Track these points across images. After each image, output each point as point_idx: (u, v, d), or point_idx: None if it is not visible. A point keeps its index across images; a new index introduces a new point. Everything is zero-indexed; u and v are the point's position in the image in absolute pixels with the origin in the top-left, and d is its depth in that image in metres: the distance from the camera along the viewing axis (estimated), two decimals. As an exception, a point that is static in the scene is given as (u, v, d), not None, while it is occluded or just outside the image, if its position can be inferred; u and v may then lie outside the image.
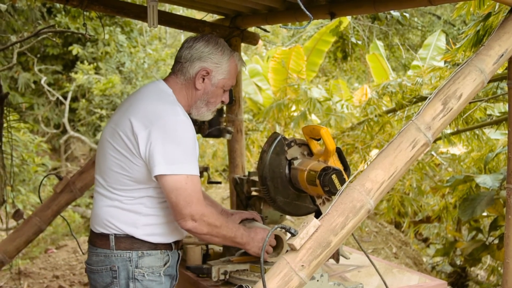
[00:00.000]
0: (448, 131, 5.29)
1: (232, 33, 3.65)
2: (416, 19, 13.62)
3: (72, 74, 9.85)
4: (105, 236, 2.18)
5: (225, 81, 2.29)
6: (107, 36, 9.35)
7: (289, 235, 1.83)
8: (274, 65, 8.65)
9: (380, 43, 9.73)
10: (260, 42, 11.50)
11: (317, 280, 2.27)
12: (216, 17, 3.85)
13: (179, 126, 2.08)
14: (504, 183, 3.65)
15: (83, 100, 10.22)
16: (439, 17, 13.64)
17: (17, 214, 3.73)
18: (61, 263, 5.87)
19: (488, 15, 3.49)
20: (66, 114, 9.92)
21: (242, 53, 5.25)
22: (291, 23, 3.79)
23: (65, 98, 10.17)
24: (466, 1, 3.44)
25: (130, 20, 9.29)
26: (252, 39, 3.80)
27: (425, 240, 8.09)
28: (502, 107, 5.55)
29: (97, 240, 2.21)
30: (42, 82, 9.54)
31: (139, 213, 2.16)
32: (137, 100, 2.20)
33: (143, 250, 2.17)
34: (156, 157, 2.04)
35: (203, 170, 3.39)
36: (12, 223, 6.12)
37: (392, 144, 1.95)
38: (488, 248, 5.19)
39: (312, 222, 1.80)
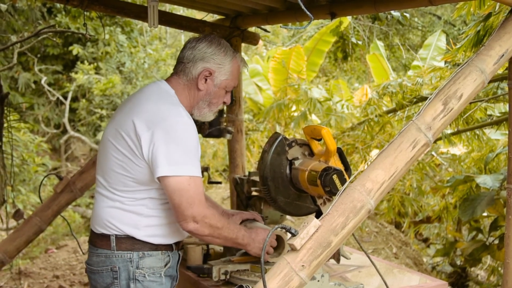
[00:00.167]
0: (449, 131, 5.29)
1: (233, 33, 3.65)
2: (416, 19, 13.63)
3: (73, 74, 9.85)
4: (106, 237, 2.18)
5: (228, 81, 2.29)
6: (107, 36, 9.35)
7: (289, 235, 1.83)
8: (275, 65, 8.65)
9: (380, 43, 9.73)
10: (261, 42, 11.50)
11: (318, 280, 2.27)
12: (217, 17, 3.85)
13: (182, 127, 2.08)
14: (505, 183, 3.65)
15: (83, 100, 10.22)
16: (439, 17, 13.64)
17: (18, 214, 3.73)
18: (61, 263, 5.87)
19: (489, 15, 3.49)
20: (66, 114, 9.92)
21: (242, 53, 5.25)
22: (291, 23, 3.79)
23: (66, 98, 10.17)
24: (466, 1, 3.44)
25: (130, 20, 9.29)
26: (253, 39, 3.80)
27: (425, 240, 8.09)
28: (503, 107, 5.54)
29: (98, 240, 2.21)
30: (43, 82, 9.54)
31: (140, 214, 2.16)
32: (139, 100, 2.20)
33: (144, 251, 2.17)
34: (159, 158, 2.03)
35: (204, 170, 3.38)
36: (13, 223, 6.12)
37: (392, 144, 1.95)
38: (489, 248, 5.19)
39: (312, 222, 1.80)
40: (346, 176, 2.22)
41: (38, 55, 9.69)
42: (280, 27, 4.42)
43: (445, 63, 6.55)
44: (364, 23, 11.13)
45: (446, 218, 6.02)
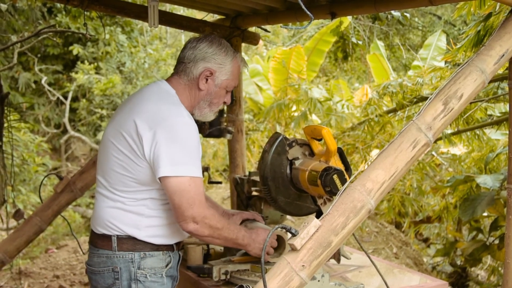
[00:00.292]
0: (449, 131, 5.28)
1: (233, 33, 3.65)
2: (416, 19, 13.63)
3: (73, 74, 9.85)
4: (107, 237, 2.17)
5: (228, 81, 2.29)
6: (107, 36, 9.35)
7: (289, 235, 1.82)
8: (275, 65, 8.65)
9: (380, 43, 9.73)
10: (261, 42, 11.50)
11: (318, 280, 2.27)
12: (217, 17, 3.85)
13: (183, 128, 2.08)
14: (505, 183, 3.64)
15: (84, 100, 10.22)
16: (439, 17, 13.64)
17: (18, 214, 3.73)
18: (62, 263, 5.88)
19: (489, 15, 3.49)
20: (67, 114, 9.92)
21: (242, 53, 5.25)
22: (291, 23, 3.79)
23: (66, 98, 10.17)
24: (466, 1, 3.44)
25: (130, 20, 9.29)
26: (253, 39, 3.80)
27: (426, 240, 8.09)
28: (503, 107, 5.54)
29: (99, 241, 2.21)
30: (43, 82, 9.54)
31: (141, 215, 2.16)
32: (140, 100, 2.19)
33: (145, 251, 2.16)
34: (161, 158, 2.03)
35: (204, 170, 3.38)
36: (13, 223, 6.12)
37: (392, 144, 1.95)
38: (489, 248, 5.19)
39: (313, 222, 1.80)
40: (346, 176, 2.22)
41: (38, 55, 9.69)
42: (281, 27, 4.42)
43: (445, 63, 6.54)
44: (364, 23, 11.13)
45: (446, 218, 6.02)
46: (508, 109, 2.42)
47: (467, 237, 6.21)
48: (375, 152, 5.71)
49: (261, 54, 12.13)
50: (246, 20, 3.61)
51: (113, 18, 9.24)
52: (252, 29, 3.89)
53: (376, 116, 5.65)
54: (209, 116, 2.34)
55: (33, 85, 9.59)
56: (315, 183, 2.24)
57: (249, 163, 7.65)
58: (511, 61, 2.30)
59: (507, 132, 2.49)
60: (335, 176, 2.18)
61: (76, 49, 9.58)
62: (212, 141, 8.90)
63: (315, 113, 7.52)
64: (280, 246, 2.41)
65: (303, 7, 1.82)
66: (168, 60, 10.32)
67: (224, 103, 2.36)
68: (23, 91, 9.33)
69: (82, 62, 9.90)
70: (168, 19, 3.65)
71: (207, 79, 2.25)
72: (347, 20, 6.45)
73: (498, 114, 5.44)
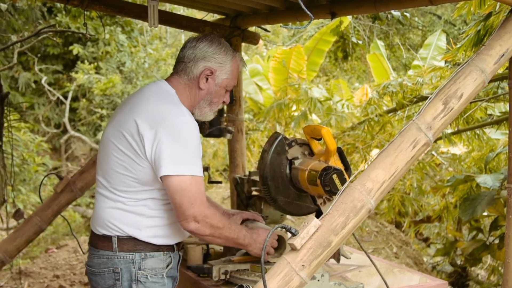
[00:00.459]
0: (449, 131, 5.28)
1: (233, 32, 3.65)
2: (416, 18, 13.63)
3: (73, 74, 9.85)
4: (108, 238, 2.17)
5: (228, 81, 2.30)
6: (107, 36, 9.34)
7: (289, 234, 1.82)
8: (275, 65, 8.65)
9: (380, 43, 9.72)
10: (261, 41, 11.49)
11: (318, 280, 2.27)
12: (217, 16, 3.85)
13: (184, 127, 2.07)
14: (505, 183, 3.64)
15: (84, 100, 10.22)
16: (439, 17, 13.64)
17: (18, 214, 3.73)
18: (62, 262, 5.88)
19: (489, 15, 3.49)
20: (67, 114, 9.92)
21: (242, 53, 5.25)
22: (291, 22, 3.79)
23: (66, 97, 10.17)
24: (466, 1, 3.44)
25: (130, 20, 9.28)
26: (253, 39, 3.80)
27: (426, 240, 8.09)
28: (503, 106, 5.54)
29: (99, 242, 2.20)
30: (43, 81, 9.54)
31: (142, 215, 2.15)
32: (140, 100, 2.19)
33: (146, 252, 2.16)
34: (163, 158, 2.03)
35: (204, 170, 3.37)
36: (13, 222, 6.12)
37: (392, 144, 1.95)
38: (489, 248, 5.19)
39: (312, 222, 1.80)
40: (346, 176, 2.22)
41: (38, 55, 9.69)
42: (281, 26, 4.42)
43: (445, 63, 6.54)
44: (364, 23, 11.13)
45: (446, 217, 6.02)
46: (508, 108, 2.42)
47: (467, 236, 6.21)
48: (375, 152, 5.71)
49: (261, 53, 12.13)
50: (246, 20, 3.61)
51: (113, 18, 9.24)
52: (252, 28, 3.89)
53: (376, 115, 5.65)
54: (209, 115, 2.34)
55: (33, 85, 9.59)
56: (315, 183, 2.24)
57: (249, 162, 7.65)
58: (511, 61, 2.30)
59: (507, 131, 2.49)
60: (334, 176, 2.18)
61: (76, 49, 9.58)
62: (212, 140, 8.90)
63: (315, 113, 7.52)
64: (280, 246, 2.41)
65: (303, 6, 1.82)
66: (168, 60, 10.32)
67: (224, 102, 2.36)
68: (23, 91, 9.33)
69: (82, 62, 9.90)
70: (168, 19, 3.65)
71: (207, 78, 2.25)
72: (347, 19, 6.44)
73: (498, 114, 5.44)
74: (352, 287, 2.42)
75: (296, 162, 2.39)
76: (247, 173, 3.34)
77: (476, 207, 4.57)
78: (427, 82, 5.40)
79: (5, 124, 4.28)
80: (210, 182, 3.52)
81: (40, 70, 9.74)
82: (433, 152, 6.44)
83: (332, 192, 2.18)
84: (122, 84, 9.85)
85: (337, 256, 2.49)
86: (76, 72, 9.79)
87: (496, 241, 5.19)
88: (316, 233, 1.79)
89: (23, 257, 6.65)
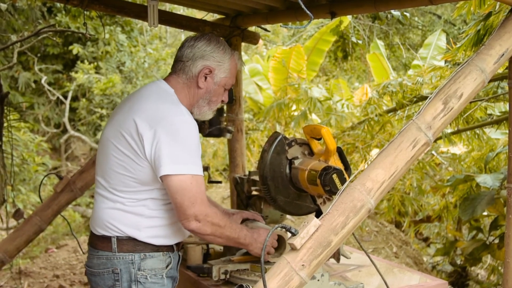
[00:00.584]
0: (449, 130, 5.28)
1: (233, 32, 3.65)
2: (416, 18, 13.62)
3: (73, 74, 9.85)
4: (107, 239, 2.16)
5: (227, 79, 2.30)
6: (107, 36, 9.34)
7: (289, 234, 1.82)
8: (275, 65, 8.65)
9: (380, 43, 9.73)
10: (261, 41, 11.48)
11: (318, 280, 2.27)
12: (217, 16, 3.85)
13: (183, 126, 2.07)
14: (505, 183, 3.64)
15: (84, 100, 10.22)
16: (439, 17, 13.64)
17: (18, 214, 3.73)
18: (62, 262, 5.88)
19: (489, 14, 3.49)
20: (67, 114, 9.92)
21: (242, 53, 5.25)
22: (291, 22, 3.79)
23: (66, 97, 10.17)
24: (466, 1, 3.44)
25: (130, 20, 9.28)
26: (253, 39, 3.80)
27: (426, 239, 8.09)
28: (503, 106, 5.54)
29: (99, 242, 2.20)
30: (43, 81, 9.54)
31: (141, 215, 2.15)
32: (139, 100, 2.19)
33: (146, 252, 2.16)
34: (162, 157, 2.03)
35: (204, 169, 3.37)
36: (13, 222, 6.12)
37: (392, 144, 1.95)
38: (489, 247, 5.19)
39: (312, 221, 1.80)
40: (346, 176, 2.22)
41: (38, 55, 9.68)
42: (280, 26, 4.42)
43: (445, 63, 6.54)
44: (364, 23, 11.13)
45: (446, 217, 6.02)
46: (508, 108, 2.42)
47: (467, 236, 6.21)
48: (375, 152, 5.71)
49: (261, 53, 12.13)
50: (246, 20, 3.61)
51: (113, 18, 9.24)
52: (252, 28, 3.89)
53: (376, 115, 5.64)
54: (208, 114, 2.33)
55: (33, 85, 9.59)
56: (315, 183, 2.24)
57: (249, 162, 7.65)
58: (511, 60, 2.30)
59: (507, 131, 2.49)
60: (334, 176, 2.18)
61: (76, 48, 9.58)
62: (212, 140, 8.90)
63: (315, 113, 7.52)
64: (280, 245, 2.41)
65: (303, 6, 1.82)
66: (168, 60, 10.31)
67: (222, 101, 2.36)
68: (23, 90, 9.33)
69: (82, 61, 9.90)
70: (168, 19, 3.65)
71: (206, 77, 2.25)
72: (347, 19, 6.44)
73: (498, 114, 5.44)
74: (352, 287, 2.42)
75: (296, 162, 2.39)
76: (247, 172, 3.34)
77: (476, 207, 4.57)
78: (427, 82, 5.40)
79: (5, 124, 4.28)
80: (210, 182, 3.52)
81: (40, 70, 9.73)
82: (433, 152, 6.44)
83: (332, 191, 2.18)
84: (122, 84, 9.85)
85: (337, 255, 2.49)
86: (76, 72, 9.79)
87: (496, 241, 5.19)
88: (316, 232, 1.79)
89: (23, 257, 6.65)
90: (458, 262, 6.82)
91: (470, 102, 4.39)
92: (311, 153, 2.43)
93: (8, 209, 4.76)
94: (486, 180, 4.65)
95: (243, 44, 3.91)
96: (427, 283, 2.59)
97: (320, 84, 9.52)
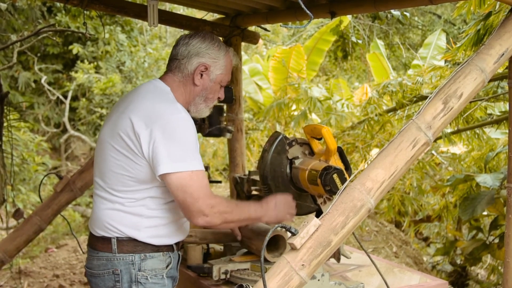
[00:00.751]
0: (449, 130, 5.28)
1: (233, 32, 3.65)
2: (416, 18, 13.63)
3: (73, 73, 9.85)
4: (107, 240, 2.16)
5: (222, 76, 2.29)
6: (107, 35, 9.34)
7: (289, 234, 1.82)
8: (275, 64, 8.65)
9: (380, 42, 9.73)
10: (261, 41, 11.49)
11: (318, 280, 2.27)
12: (217, 16, 3.85)
13: (180, 123, 2.07)
14: (505, 182, 3.64)
15: (84, 99, 10.22)
16: (439, 16, 13.64)
17: (17, 213, 3.73)
18: (62, 262, 5.88)
19: (489, 14, 3.49)
20: (66, 113, 9.92)
21: (242, 52, 5.24)
22: (291, 22, 3.79)
23: (65, 97, 10.17)
24: (466, 0, 3.44)
25: (130, 19, 9.28)
26: (253, 38, 3.80)
27: (426, 239, 8.09)
28: (503, 106, 5.55)
29: (98, 243, 2.19)
30: (42, 81, 9.54)
31: (141, 216, 2.14)
32: (135, 99, 2.18)
33: (146, 253, 2.15)
34: (160, 156, 2.02)
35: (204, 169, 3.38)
36: (13, 222, 6.12)
37: (392, 144, 1.95)
38: (489, 247, 5.19)
39: (312, 221, 1.80)
40: (346, 175, 2.22)
41: (38, 54, 9.69)
42: (280, 26, 4.42)
43: (445, 62, 6.54)
44: (364, 22, 11.13)
45: (446, 217, 6.02)
46: (508, 108, 2.42)
47: (467, 236, 6.21)
48: (375, 151, 5.71)
49: (261, 53, 12.13)
50: (246, 19, 3.61)
51: (113, 17, 9.24)
52: (252, 28, 3.89)
53: (376, 115, 5.65)
54: (205, 112, 2.33)
55: (33, 84, 9.60)
56: (315, 182, 2.24)
57: (249, 162, 7.65)
58: (511, 60, 2.30)
59: (507, 131, 2.49)
60: (335, 175, 2.18)
61: (76, 48, 9.58)
62: (212, 140, 8.91)
63: (315, 112, 7.52)
64: (280, 245, 2.41)
65: (303, 6, 1.82)
66: (167, 59, 10.32)
67: (219, 98, 2.35)
68: (22, 90, 9.33)
69: (82, 61, 9.90)
70: (167, 18, 3.65)
71: (202, 74, 2.24)
72: (347, 19, 6.45)
73: (498, 113, 5.44)
74: (352, 286, 2.42)
75: (297, 162, 2.39)
76: (247, 172, 3.34)
77: (476, 207, 4.57)
78: (427, 82, 5.40)
79: (5, 124, 4.28)
80: (210, 181, 3.51)
81: (40, 69, 9.73)
82: (433, 152, 6.44)
83: (332, 191, 2.18)
84: (122, 84, 9.85)
85: (337, 255, 2.49)
86: (76, 72, 9.79)
87: (496, 241, 5.19)
88: (316, 232, 1.79)
89: (23, 257, 6.65)
90: (458, 261, 6.82)
91: (470, 102, 4.39)
92: (312, 153, 2.43)
93: (8, 208, 4.76)
94: (486, 180, 4.65)
95: (243, 43, 3.91)
96: (427, 283, 2.59)
97: (320, 83, 9.53)
